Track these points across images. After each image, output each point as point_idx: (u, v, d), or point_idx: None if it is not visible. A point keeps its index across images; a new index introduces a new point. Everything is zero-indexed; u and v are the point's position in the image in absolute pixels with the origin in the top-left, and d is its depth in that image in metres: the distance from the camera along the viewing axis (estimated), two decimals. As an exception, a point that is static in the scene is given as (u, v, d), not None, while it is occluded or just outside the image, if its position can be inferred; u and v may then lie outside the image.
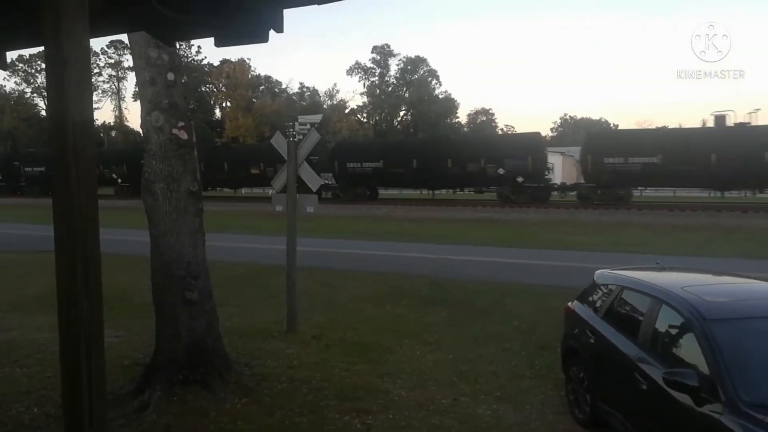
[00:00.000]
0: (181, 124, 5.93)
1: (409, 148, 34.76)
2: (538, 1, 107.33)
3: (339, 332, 8.21)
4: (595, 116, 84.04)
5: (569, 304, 6.21)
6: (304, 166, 8.25)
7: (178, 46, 6.27)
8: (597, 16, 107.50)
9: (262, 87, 71.87)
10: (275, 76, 75.33)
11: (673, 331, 4.41)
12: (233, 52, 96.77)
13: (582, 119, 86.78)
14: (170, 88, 5.90)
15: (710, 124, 29.43)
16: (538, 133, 33.38)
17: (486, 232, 21.63)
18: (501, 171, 30.04)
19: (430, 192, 36.75)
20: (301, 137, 8.35)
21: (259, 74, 72.13)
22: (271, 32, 2.59)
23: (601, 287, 5.77)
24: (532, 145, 30.64)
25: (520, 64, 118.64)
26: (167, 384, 5.72)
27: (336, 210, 29.13)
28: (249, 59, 69.27)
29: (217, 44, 2.40)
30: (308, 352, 7.35)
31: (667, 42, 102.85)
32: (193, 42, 61.77)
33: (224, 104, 70.69)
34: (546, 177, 31.81)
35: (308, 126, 8.53)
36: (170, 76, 5.88)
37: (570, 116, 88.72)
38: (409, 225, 24.37)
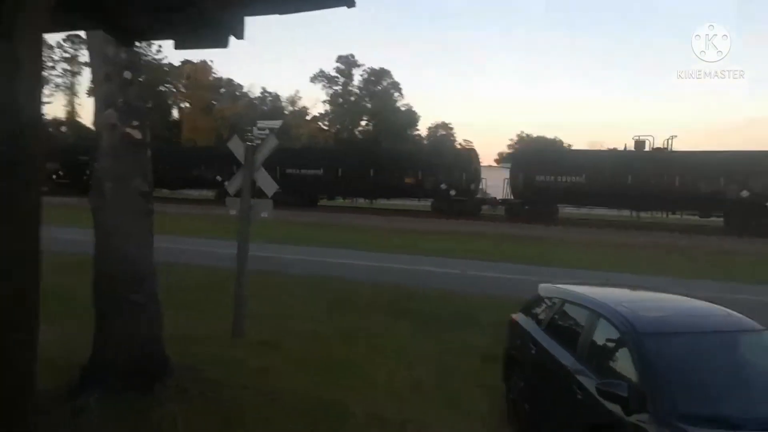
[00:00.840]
0: (135, 123, 5.85)
1: (625, 162, 29.21)
2: (501, 16, 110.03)
3: (291, 339, 8.19)
4: (549, 135, 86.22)
5: (513, 315, 6.39)
6: (261, 172, 8.24)
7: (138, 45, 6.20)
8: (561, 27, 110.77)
9: (223, 90, 70.88)
10: (237, 80, 74.16)
11: (609, 344, 4.61)
12: (195, 53, 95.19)
13: (538, 137, 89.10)
14: (126, 87, 5.83)
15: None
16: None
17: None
18: (745, 193, 26.16)
19: (635, 214, 31.55)
20: (259, 142, 8.33)
21: (221, 77, 71.21)
22: (232, 38, 2.63)
23: (545, 300, 5.98)
24: None
25: (480, 81, 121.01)
26: (105, 388, 5.57)
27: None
28: (211, 61, 68.29)
29: (177, 47, 2.43)
30: (254, 358, 7.29)
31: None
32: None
33: (183, 105, 69.37)
34: None
35: (267, 131, 8.50)
36: (127, 74, 5.81)
37: (526, 134, 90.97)
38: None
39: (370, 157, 35.02)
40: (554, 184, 29.54)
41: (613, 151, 33.34)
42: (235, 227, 8.37)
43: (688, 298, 5.44)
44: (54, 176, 39.42)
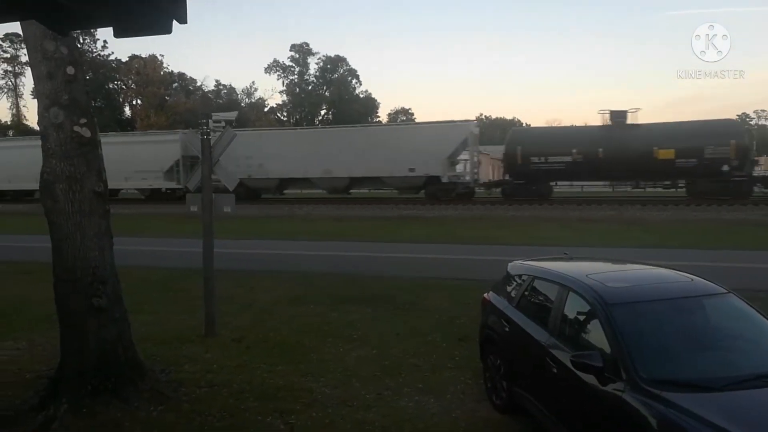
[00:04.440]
0: (83, 120, 5.58)
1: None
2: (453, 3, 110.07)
3: (260, 334, 8.06)
4: (509, 116, 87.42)
5: (485, 295, 6.40)
6: (221, 165, 8.02)
7: (81, 41, 5.91)
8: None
9: (176, 84, 69.04)
10: (189, 74, 72.29)
11: (580, 317, 4.65)
12: (143, 48, 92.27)
13: (497, 119, 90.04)
14: (70, 83, 5.55)
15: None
16: None
17: None
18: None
19: None
20: (215, 135, 8.08)
21: (172, 71, 69.28)
22: (176, 24, 2.48)
23: (515, 278, 5.99)
24: None
25: (438, 65, 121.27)
26: (74, 396, 5.39)
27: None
28: (162, 56, 66.54)
29: (117, 35, 2.27)
30: (228, 356, 7.16)
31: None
32: (98, 36, 58.34)
33: (134, 102, 67.31)
34: None
35: (223, 123, 8.25)
36: (70, 70, 5.53)
37: (486, 116, 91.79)
38: None
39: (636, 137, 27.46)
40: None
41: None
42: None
43: (652, 266, 5.52)
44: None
